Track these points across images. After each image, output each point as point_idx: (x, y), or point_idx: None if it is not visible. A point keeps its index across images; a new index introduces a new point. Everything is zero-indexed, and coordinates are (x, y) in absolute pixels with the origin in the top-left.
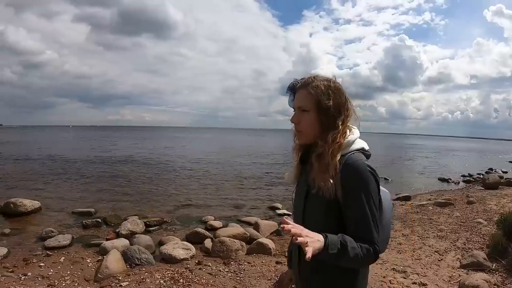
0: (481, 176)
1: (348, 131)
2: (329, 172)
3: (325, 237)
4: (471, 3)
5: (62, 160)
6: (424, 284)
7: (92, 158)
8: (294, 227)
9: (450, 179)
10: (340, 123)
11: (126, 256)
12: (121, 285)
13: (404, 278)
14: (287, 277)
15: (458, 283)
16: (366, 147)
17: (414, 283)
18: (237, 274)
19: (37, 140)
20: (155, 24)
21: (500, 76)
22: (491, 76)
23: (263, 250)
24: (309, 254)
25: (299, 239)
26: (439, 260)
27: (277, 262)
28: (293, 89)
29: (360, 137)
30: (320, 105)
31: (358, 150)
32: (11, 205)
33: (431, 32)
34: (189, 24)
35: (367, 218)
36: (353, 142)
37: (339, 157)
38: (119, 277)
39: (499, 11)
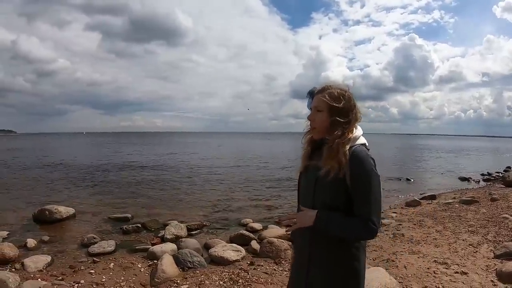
0: (500, 175)
1: (354, 129)
2: (337, 158)
3: (318, 212)
4: (480, 0)
5: (85, 166)
6: (465, 273)
7: (114, 164)
8: (286, 221)
9: (471, 178)
10: (346, 123)
11: (178, 260)
12: None
13: (446, 268)
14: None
15: (495, 271)
16: (367, 143)
17: (456, 272)
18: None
19: (54, 146)
20: (166, 31)
21: None
22: (503, 73)
23: None
24: (291, 229)
25: (289, 228)
26: (474, 252)
27: None
28: (312, 94)
29: (363, 135)
30: (332, 107)
31: (361, 144)
32: (46, 212)
33: (441, 30)
34: (199, 31)
35: (367, 200)
36: (358, 137)
37: (347, 148)
38: (176, 280)
39: (509, 6)
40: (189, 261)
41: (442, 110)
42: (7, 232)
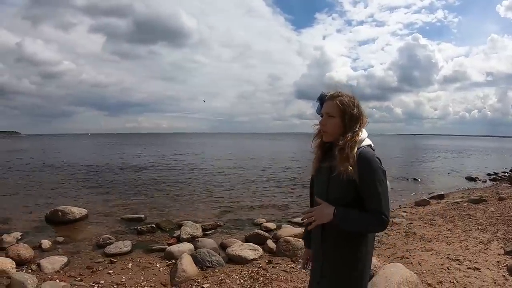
0: (506, 174)
1: (360, 132)
2: (349, 160)
3: (335, 209)
4: None
5: (91, 167)
6: (477, 269)
7: (120, 165)
8: (306, 219)
9: (477, 177)
10: (357, 128)
11: (196, 259)
12: (202, 287)
13: (459, 264)
14: (305, 256)
15: (506, 266)
16: (372, 144)
17: (469, 268)
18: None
19: (59, 147)
20: (170, 32)
21: None
22: (508, 72)
23: None
24: (311, 227)
25: (310, 226)
26: (485, 249)
27: None
28: (322, 99)
29: (368, 137)
30: (345, 113)
31: (367, 145)
32: (59, 213)
33: (444, 30)
34: (203, 31)
35: (377, 195)
36: (363, 140)
37: (355, 150)
38: (197, 279)
39: None
40: (208, 260)
41: (446, 110)
42: (20, 233)
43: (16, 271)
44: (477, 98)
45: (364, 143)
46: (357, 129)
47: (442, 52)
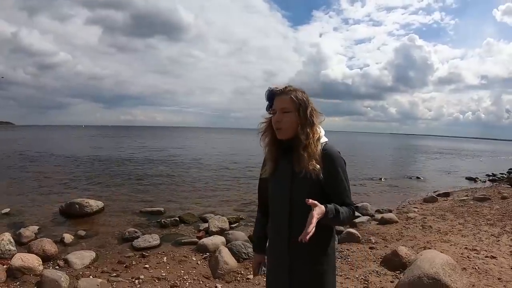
0: (504, 176)
1: (318, 128)
2: (316, 158)
3: (326, 207)
4: (480, 3)
5: (95, 160)
6: (494, 257)
7: (125, 158)
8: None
9: (478, 178)
10: (315, 121)
11: (232, 251)
12: (247, 278)
13: (477, 253)
14: (256, 260)
15: None
16: (327, 140)
17: (487, 256)
18: (344, 258)
19: (56, 139)
20: (167, 26)
21: (511, 76)
22: (502, 76)
23: (352, 238)
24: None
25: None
26: (497, 241)
27: (370, 248)
28: (272, 95)
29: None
30: (300, 107)
31: (325, 142)
32: (76, 205)
33: (441, 32)
34: (201, 26)
35: (347, 190)
36: (322, 136)
37: (319, 147)
38: (240, 271)
39: (509, 10)
40: (244, 252)
41: (440, 111)
42: (38, 227)
43: (43, 268)
44: (471, 101)
45: (323, 139)
46: (316, 125)
47: (437, 53)
